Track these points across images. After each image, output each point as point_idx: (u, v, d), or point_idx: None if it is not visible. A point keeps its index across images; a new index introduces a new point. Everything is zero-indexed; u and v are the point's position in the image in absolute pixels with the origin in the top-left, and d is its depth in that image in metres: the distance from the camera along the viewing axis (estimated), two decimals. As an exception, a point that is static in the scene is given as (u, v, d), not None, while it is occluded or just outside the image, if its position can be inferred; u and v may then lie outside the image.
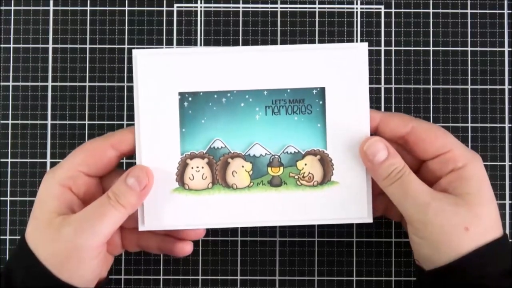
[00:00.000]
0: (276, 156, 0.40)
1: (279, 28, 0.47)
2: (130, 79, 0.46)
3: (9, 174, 0.46)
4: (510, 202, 0.46)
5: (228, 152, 0.40)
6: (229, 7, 0.47)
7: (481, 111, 0.47)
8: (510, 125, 0.47)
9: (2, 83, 0.47)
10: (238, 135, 0.40)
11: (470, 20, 0.47)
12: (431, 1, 0.47)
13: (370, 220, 0.40)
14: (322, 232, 0.46)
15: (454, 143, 0.39)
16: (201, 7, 0.47)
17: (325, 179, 0.40)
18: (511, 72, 0.47)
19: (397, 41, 0.47)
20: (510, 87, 0.47)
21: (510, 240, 0.45)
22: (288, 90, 0.40)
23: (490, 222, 0.37)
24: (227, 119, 0.40)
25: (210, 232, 0.46)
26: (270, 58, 0.39)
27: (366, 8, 0.47)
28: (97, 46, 0.47)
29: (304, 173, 0.40)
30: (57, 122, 0.47)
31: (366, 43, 0.39)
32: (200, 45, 0.47)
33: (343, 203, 0.40)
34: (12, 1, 0.47)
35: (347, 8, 0.47)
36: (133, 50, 0.40)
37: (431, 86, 0.47)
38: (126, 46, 0.47)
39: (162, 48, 0.47)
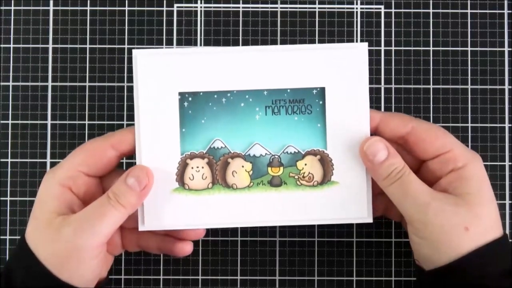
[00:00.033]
0: (276, 156, 0.40)
1: (279, 28, 0.47)
2: (130, 79, 0.46)
3: (9, 174, 0.46)
4: (510, 202, 0.46)
5: (228, 152, 0.40)
6: (229, 7, 0.47)
7: (481, 111, 0.47)
8: (510, 125, 0.47)
9: (2, 83, 0.47)
10: (238, 135, 0.40)
11: (470, 20, 0.47)
12: (431, 1, 0.47)
13: (370, 220, 0.40)
14: (322, 232, 0.46)
15: (454, 143, 0.39)
16: (201, 7, 0.47)
17: (325, 179, 0.40)
18: (511, 72, 0.47)
19: (397, 41, 0.47)
20: (510, 87, 0.47)
21: (510, 240, 0.45)
22: (288, 90, 0.40)
23: (490, 222, 0.37)
24: (227, 119, 0.40)
25: (210, 232, 0.46)
26: (270, 58, 0.39)
27: (366, 8, 0.47)
28: (97, 46, 0.47)
29: (304, 173, 0.40)
30: (57, 122, 0.47)
31: (366, 43, 0.39)
32: (200, 45, 0.47)
33: (343, 203, 0.40)
34: (12, 1, 0.47)
35: (347, 8, 0.47)
36: (133, 50, 0.40)
37: (431, 86, 0.47)
38: (126, 46, 0.47)
39: (162, 48, 0.47)
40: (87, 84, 0.47)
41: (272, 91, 0.40)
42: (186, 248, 0.42)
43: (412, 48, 0.47)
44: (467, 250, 0.36)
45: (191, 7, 0.47)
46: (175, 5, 0.47)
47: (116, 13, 0.47)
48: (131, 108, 0.46)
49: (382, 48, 0.47)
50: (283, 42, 0.47)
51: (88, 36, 0.47)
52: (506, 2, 0.47)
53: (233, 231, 0.46)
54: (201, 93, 0.40)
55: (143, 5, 0.47)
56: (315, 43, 0.47)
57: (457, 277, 0.36)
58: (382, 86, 0.47)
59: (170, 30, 0.47)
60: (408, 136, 0.39)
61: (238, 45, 0.47)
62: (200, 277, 0.46)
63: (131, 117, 0.46)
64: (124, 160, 0.46)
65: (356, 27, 0.47)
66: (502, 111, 0.47)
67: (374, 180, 0.39)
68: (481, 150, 0.46)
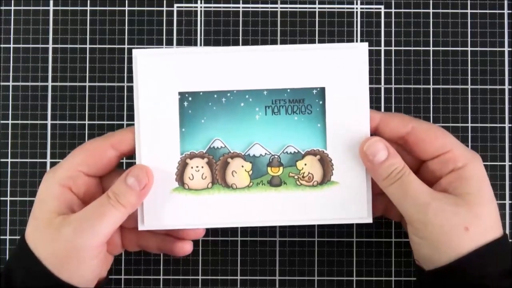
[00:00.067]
0: (276, 156, 0.40)
1: (279, 28, 0.47)
2: (130, 79, 0.46)
3: (9, 174, 0.46)
4: (510, 202, 0.46)
5: (227, 152, 0.40)
6: (229, 7, 0.47)
7: (481, 111, 0.47)
8: (510, 125, 0.47)
9: (2, 83, 0.47)
10: (238, 135, 0.40)
11: (470, 20, 0.47)
12: (431, 1, 0.47)
13: (370, 220, 0.40)
14: (322, 232, 0.46)
15: (454, 143, 0.39)
16: (201, 7, 0.47)
17: (325, 179, 0.40)
18: (511, 72, 0.47)
19: (397, 41, 0.47)
20: (510, 87, 0.47)
21: (510, 240, 0.45)
22: (288, 90, 0.40)
23: (490, 222, 0.37)
24: (227, 119, 0.40)
25: (210, 232, 0.46)
26: (270, 58, 0.39)
27: (366, 8, 0.47)
28: (97, 46, 0.47)
29: (303, 173, 0.40)
30: (57, 122, 0.47)
31: (366, 43, 0.39)
32: (200, 45, 0.47)
33: (343, 203, 0.40)
34: (12, 1, 0.47)
35: (347, 8, 0.47)
36: (133, 50, 0.40)
37: (431, 86, 0.47)
38: (126, 46, 0.47)
39: (162, 48, 0.47)
40: (87, 84, 0.47)
41: (272, 91, 0.40)
42: (186, 248, 0.42)
43: (412, 48, 0.47)
44: (467, 250, 0.36)
45: (191, 7, 0.47)
46: (175, 5, 0.47)
47: (116, 13, 0.47)
48: (131, 108, 0.46)
49: (382, 48, 0.47)
50: (283, 42, 0.47)
51: (88, 36, 0.47)
52: (506, 2, 0.47)
53: (233, 231, 0.46)
54: (201, 93, 0.40)
55: (143, 5, 0.47)
56: (315, 43, 0.47)
57: (457, 277, 0.36)
58: (382, 86, 0.47)
59: (170, 30, 0.47)
60: (408, 136, 0.39)
61: (238, 45, 0.47)
62: (200, 277, 0.46)
63: (131, 117, 0.46)
64: (124, 160, 0.46)
65: (356, 27, 0.47)
66: (502, 111, 0.47)
67: (374, 180, 0.39)
68: (481, 150, 0.46)
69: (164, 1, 0.47)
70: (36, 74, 0.47)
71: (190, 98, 0.40)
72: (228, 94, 0.40)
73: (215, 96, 0.40)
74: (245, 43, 0.47)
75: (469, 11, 0.47)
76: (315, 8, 0.47)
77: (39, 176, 0.46)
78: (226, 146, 0.40)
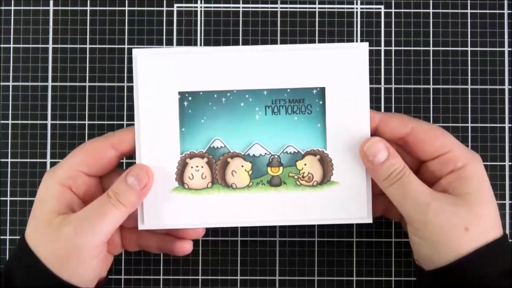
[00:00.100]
0: (276, 156, 0.40)
1: (279, 28, 0.47)
2: (130, 79, 0.46)
3: (9, 174, 0.46)
4: (510, 202, 0.46)
5: (227, 151, 0.40)
6: (229, 7, 0.47)
7: (481, 111, 0.47)
8: (510, 125, 0.47)
9: (2, 83, 0.47)
10: (237, 135, 0.40)
11: (470, 20, 0.47)
12: (431, 1, 0.47)
13: (370, 220, 0.40)
14: (322, 232, 0.46)
15: (454, 143, 0.39)
16: (201, 7, 0.47)
17: (325, 179, 0.40)
18: (511, 72, 0.47)
19: (397, 41, 0.47)
20: (510, 87, 0.47)
21: (510, 240, 0.45)
22: (288, 90, 0.40)
23: (490, 222, 0.37)
24: (227, 118, 0.40)
25: (210, 232, 0.46)
26: (270, 58, 0.39)
27: (366, 8, 0.47)
28: (97, 46, 0.47)
29: (303, 173, 0.40)
30: (57, 122, 0.47)
31: (367, 43, 0.39)
32: (200, 45, 0.47)
33: (342, 203, 0.40)
34: (12, 1, 0.47)
35: (347, 8, 0.47)
36: (133, 50, 0.40)
37: (431, 86, 0.47)
38: (126, 46, 0.47)
39: (162, 48, 0.47)
40: (87, 84, 0.47)
41: (272, 90, 0.40)
42: (186, 247, 0.42)
43: (412, 48, 0.47)
44: (467, 250, 0.36)
45: (191, 7, 0.47)
46: (175, 5, 0.47)
47: (116, 13, 0.47)
48: (131, 108, 0.46)
49: (382, 48, 0.47)
50: (283, 42, 0.47)
51: (88, 36, 0.47)
52: (506, 2, 0.47)
53: (233, 231, 0.46)
54: (201, 93, 0.40)
55: (143, 5, 0.47)
56: (315, 43, 0.47)
57: (457, 277, 0.36)
58: (382, 86, 0.47)
59: (170, 30, 0.47)
60: (407, 136, 0.39)
61: (238, 45, 0.47)
62: (200, 277, 0.46)
63: (131, 117, 0.46)
64: (124, 160, 0.46)
65: (356, 27, 0.47)
66: (502, 111, 0.47)
67: (374, 180, 0.39)
68: (481, 150, 0.46)
69: (164, 1, 0.47)
70: (36, 74, 0.47)
71: (190, 98, 0.40)
72: (228, 94, 0.40)
73: (215, 96, 0.40)
74: (245, 43, 0.47)
75: (469, 11, 0.47)
76: (315, 8, 0.47)
77: (39, 176, 0.46)
78: (226, 146, 0.40)
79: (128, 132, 0.40)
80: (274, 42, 0.47)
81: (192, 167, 0.40)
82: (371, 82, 0.46)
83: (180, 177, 0.40)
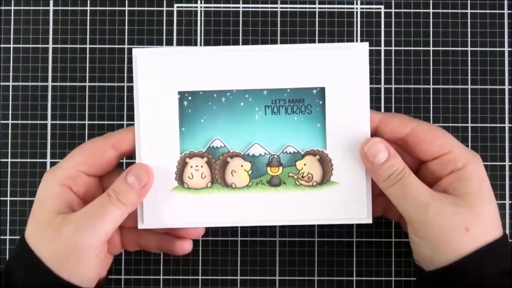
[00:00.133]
0: (276, 156, 0.40)
1: (279, 28, 0.47)
2: (130, 79, 0.46)
3: (9, 174, 0.47)
4: (510, 202, 0.46)
5: (227, 151, 0.40)
6: (229, 7, 0.47)
7: (481, 111, 0.47)
8: (510, 125, 0.47)
9: (2, 83, 0.47)
10: (237, 135, 0.40)
11: (470, 20, 0.47)
12: (431, 1, 0.47)
13: (369, 220, 0.40)
14: (322, 232, 0.46)
15: (454, 143, 0.39)
16: (201, 7, 0.47)
17: (325, 179, 0.40)
18: (511, 72, 0.47)
19: (397, 41, 0.47)
20: (510, 87, 0.47)
21: (510, 240, 0.45)
22: (288, 90, 0.40)
23: (490, 222, 0.37)
24: (227, 118, 0.40)
25: (210, 232, 0.46)
26: (270, 57, 0.39)
27: (366, 8, 0.47)
28: (97, 46, 0.47)
29: (303, 173, 0.40)
30: (57, 122, 0.47)
31: (367, 43, 0.39)
32: (200, 45, 0.47)
33: (342, 203, 0.40)
34: (12, 1, 0.47)
35: (347, 8, 0.47)
36: (133, 50, 0.40)
37: (431, 86, 0.47)
38: (126, 46, 0.47)
39: (162, 47, 0.47)
40: (87, 84, 0.47)
41: (272, 90, 0.40)
42: (185, 247, 0.42)
43: (412, 48, 0.47)
44: (467, 251, 0.36)
45: (191, 7, 0.47)
46: (175, 5, 0.47)
47: (116, 13, 0.47)
48: (131, 108, 0.46)
49: (382, 48, 0.47)
50: (283, 42, 0.47)
51: (88, 36, 0.47)
52: (506, 2, 0.47)
53: (233, 231, 0.46)
54: (201, 92, 0.40)
55: (143, 5, 0.47)
56: (315, 43, 0.47)
57: (457, 277, 0.36)
58: (382, 86, 0.47)
59: (170, 30, 0.47)
60: (407, 137, 0.39)
61: (238, 45, 0.47)
62: (200, 277, 0.46)
63: (131, 117, 0.46)
64: (124, 160, 0.46)
65: (356, 27, 0.47)
66: (502, 111, 0.47)
67: (373, 180, 0.39)
68: (481, 150, 0.46)
69: (164, 1, 0.47)
70: (36, 74, 0.47)
71: (189, 98, 0.40)
72: (228, 94, 0.40)
73: (215, 95, 0.40)
74: (245, 43, 0.47)
75: (469, 11, 0.47)
76: (315, 8, 0.47)
77: (39, 176, 0.46)
78: (226, 145, 0.40)
79: (128, 132, 0.40)
80: (274, 42, 0.47)
81: (191, 166, 0.40)
82: (371, 82, 0.46)
83: (180, 176, 0.40)
